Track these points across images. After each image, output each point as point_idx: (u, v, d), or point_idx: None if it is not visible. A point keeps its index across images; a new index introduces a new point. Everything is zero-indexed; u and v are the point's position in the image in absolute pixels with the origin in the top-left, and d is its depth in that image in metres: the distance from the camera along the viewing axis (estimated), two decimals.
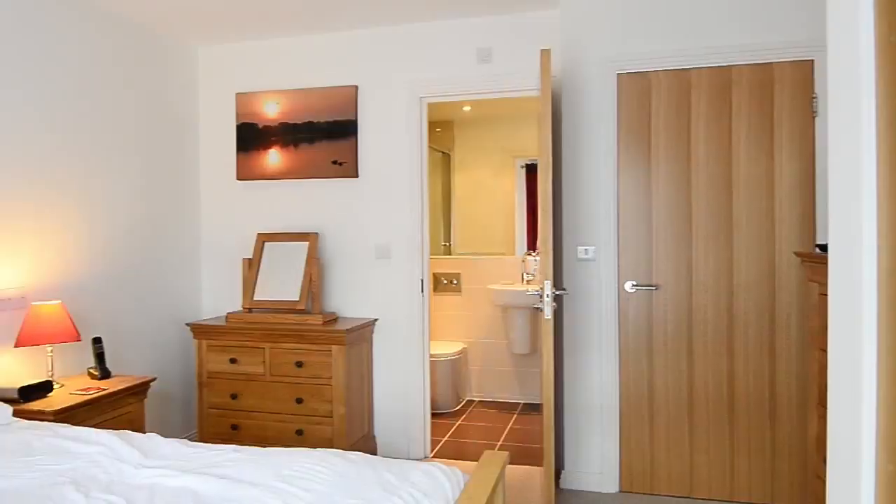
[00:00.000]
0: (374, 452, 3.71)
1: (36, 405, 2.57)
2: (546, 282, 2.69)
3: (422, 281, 3.72)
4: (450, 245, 5.53)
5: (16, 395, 2.58)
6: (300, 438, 3.42)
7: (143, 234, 3.65)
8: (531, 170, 5.23)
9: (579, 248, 3.25)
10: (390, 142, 3.75)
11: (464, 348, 4.97)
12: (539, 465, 3.59)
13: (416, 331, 3.73)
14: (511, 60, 3.52)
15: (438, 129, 5.38)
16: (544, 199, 2.72)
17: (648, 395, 3.19)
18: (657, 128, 3.16)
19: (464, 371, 4.98)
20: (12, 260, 2.85)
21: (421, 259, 3.72)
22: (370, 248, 3.80)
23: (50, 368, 2.85)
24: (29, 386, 2.64)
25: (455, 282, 5.14)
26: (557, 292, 2.89)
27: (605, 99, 3.20)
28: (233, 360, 3.54)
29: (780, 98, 3.01)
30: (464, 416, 4.62)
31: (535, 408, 4.80)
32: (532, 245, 5.18)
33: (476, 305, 5.09)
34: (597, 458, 3.25)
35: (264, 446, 2.14)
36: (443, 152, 5.47)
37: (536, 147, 5.20)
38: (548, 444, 2.71)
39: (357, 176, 3.78)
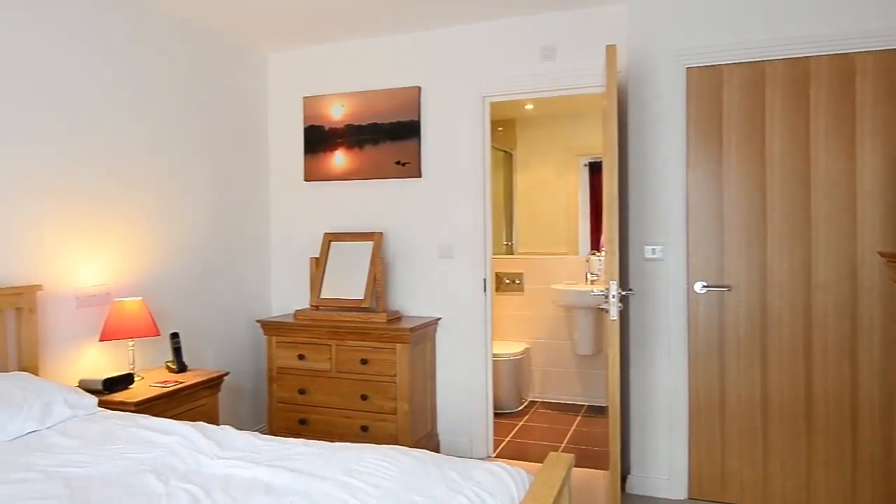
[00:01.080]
0: (437, 450, 3.74)
1: (118, 396, 2.72)
2: (612, 282, 2.64)
3: (484, 280, 3.72)
4: (511, 245, 5.51)
5: (100, 387, 2.73)
6: (365, 434, 3.48)
7: (217, 234, 3.80)
8: (595, 168, 5.15)
9: (646, 247, 3.18)
10: (453, 142, 3.76)
11: (527, 348, 4.94)
12: (604, 468, 3.53)
13: (479, 330, 3.73)
14: (575, 57, 3.48)
15: (500, 129, 5.37)
16: (609, 197, 2.67)
17: (719, 399, 3.09)
18: (729, 123, 3.06)
19: (526, 371, 4.95)
20: (98, 258, 3.02)
21: (483, 258, 3.72)
22: (433, 248, 3.83)
23: (131, 361, 3.00)
24: (112, 378, 2.79)
25: (518, 281, 5.12)
26: (624, 293, 2.83)
27: (674, 94, 3.11)
28: (301, 357, 3.63)
29: (863, 90, 2.85)
30: (526, 417, 4.59)
31: (599, 410, 4.72)
32: (596, 244, 5.10)
33: (539, 305, 5.05)
34: (664, 463, 3.17)
35: (331, 441, 2.19)
36: (505, 151, 5.45)
37: (601, 145, 5.11)
38: (614, 447, 2.66)
39: (420, 176, 3.82)
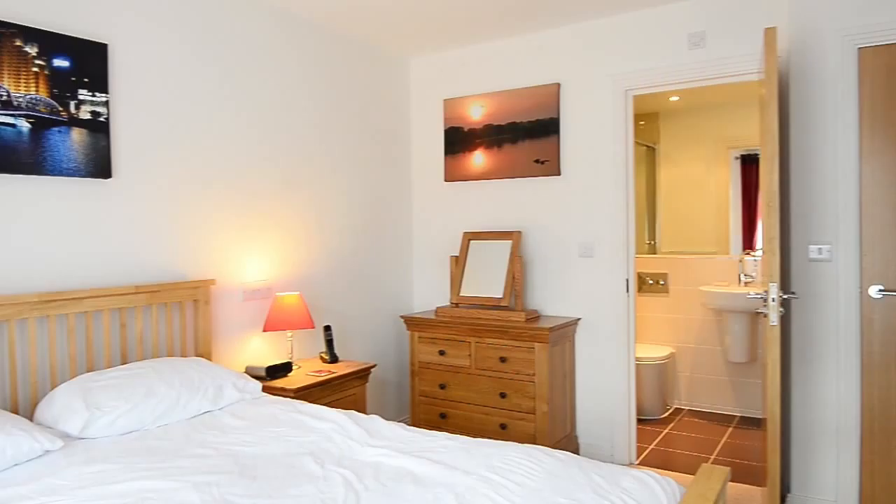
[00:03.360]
0: (576, 453, 3.67)
1: (279, 383, 2.94)
2: (772, 284, 2.45)
3: (627, 280, 3.59)
4: (654, 244, 5.28)
5: (263, 374, 2.98)
6: (503, 432, 3.49)
7: (365, 234, 4.00)
8: (747, 161, 4.80)
9: (811, 246, 2.91)
10: (593, 138, 3.68)
11: (672, 353, 4.71)
12: (760, 485, 3.29)
13: (621, 332, 3.61)
14: (727, 43, 3.26)
15: (642, 123, 5.16)
16: (770, 192, 2.48)
17: None
18: None
19: (672, 377, 4.72)
20: (262, 256, 3.29)
21: (626, 258, 3.60)
22: (573, 247, 3.77)
23: (290, 351, 3.23)
24: (274, 366, 3.03)
25: (662, 282, 4.89)
26: (785, 296, 2.61)
27: (843, 78, 2.82)
28: (441, 352, 3.73)
29: None
30: (671, 425, 4.37)
31: (753, 422, 4.39)
32: (749, 243, 4.75)
33: (685, 308, 4.80)
34: (831, 483, 2.89)
35: (470, 437, 2.22)
36: (647, 146, 5.23)
37: (754, 136, 4.75)
38: (773, 462, 2.47)
39: (559, 174, 3.77)
